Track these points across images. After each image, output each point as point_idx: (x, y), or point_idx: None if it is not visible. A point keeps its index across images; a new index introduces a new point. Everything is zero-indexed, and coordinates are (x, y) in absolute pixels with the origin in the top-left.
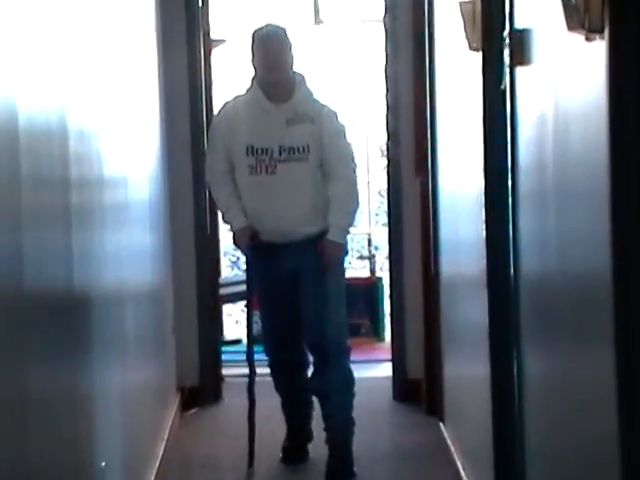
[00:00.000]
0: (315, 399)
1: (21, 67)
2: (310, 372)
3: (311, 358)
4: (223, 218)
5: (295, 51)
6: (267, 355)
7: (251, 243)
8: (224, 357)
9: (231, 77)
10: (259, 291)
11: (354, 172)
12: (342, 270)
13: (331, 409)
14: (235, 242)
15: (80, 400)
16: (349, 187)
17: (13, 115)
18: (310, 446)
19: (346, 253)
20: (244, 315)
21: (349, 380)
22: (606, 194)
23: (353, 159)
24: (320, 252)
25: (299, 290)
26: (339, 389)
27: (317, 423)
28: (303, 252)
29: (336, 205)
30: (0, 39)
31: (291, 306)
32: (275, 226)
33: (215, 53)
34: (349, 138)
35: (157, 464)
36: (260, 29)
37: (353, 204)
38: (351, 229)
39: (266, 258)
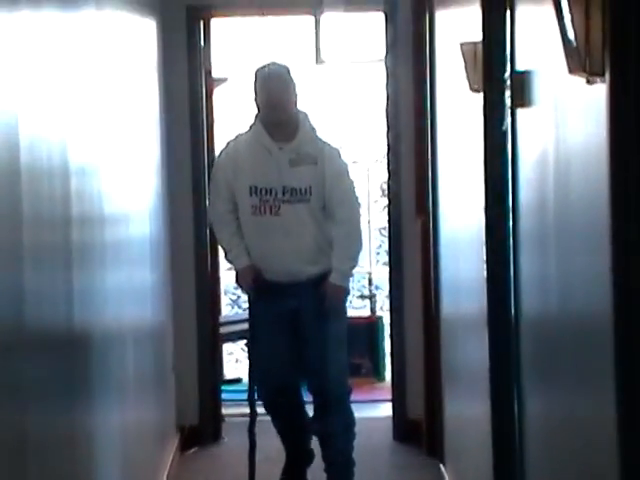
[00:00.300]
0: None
1: (24, 105)
2: (312, 414)
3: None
4: (226, 257)
5: (298, 90)
6: (263, 400)
7: (254, 283)
8: (224, 396)
9: (233, 115)
10: (259, 330)
11: (357, 213)
12: (344, 311)
13: (332, 451)
14: (238, 281)
15: (79, 439)
16: (352, 230)
17: (15, 153)
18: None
19: (347, 293)
20: (245, 354)
21: (350, 422)
22: (607, 236)
23: (356, 199)
24: (322, 294)
25: (301, 331)
26: (340, 432)
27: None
28: (306, 292)
29: (339, 249)
30: (3, 77)
31: (291, 346)
32: (279, 266)
33: (217, 92)
34: (351, 177)
35: None
36: (263, 68)
37: (356, 247)
38: (353, 271)
39: (268, 297)
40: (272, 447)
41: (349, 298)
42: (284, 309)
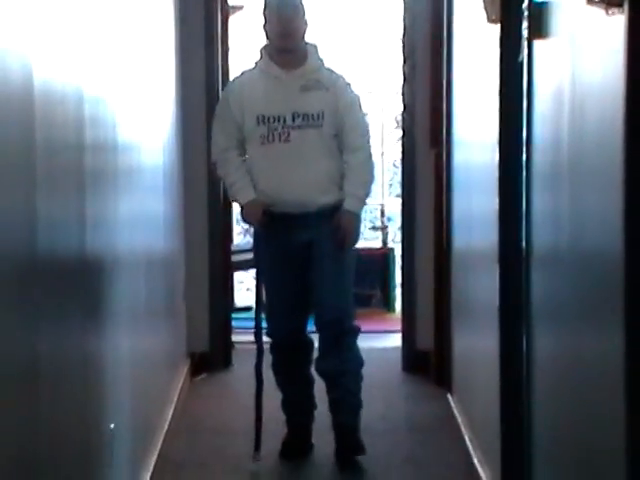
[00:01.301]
0: (316, 390)
1: (37, 32)
2: (317, 355)
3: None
4: (229, 193)
5: (309, 18)
6: (270, 337)
7: (263, 218)
8: (234, 324)
9: (248, 43)
10: (268, 266)
11: (369, 143)
12: (355, 243)
13: (340, 392)
14: (244, 216)
15: (91, 363)
16: (365, 158)
17: (29, 81)
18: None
19: (360, 223)
20: (255, 281)
21: (360, 362)
22: (620, 173)
23: (368, 130)
24: (336, 223)
25: (311, 264)
26: (350, 371)
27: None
28: (318, 224)
29: (352, 175)
30: (17, 6)
31: (301, 283)
32: (290, 195)
33: (232, 19)
34: (364, 108)
35: (165, 428)
36: None
37: (369, 175)
38: (368, 202)
39: (278, 231)
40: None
41: (361, 229)
42: (294, 243)
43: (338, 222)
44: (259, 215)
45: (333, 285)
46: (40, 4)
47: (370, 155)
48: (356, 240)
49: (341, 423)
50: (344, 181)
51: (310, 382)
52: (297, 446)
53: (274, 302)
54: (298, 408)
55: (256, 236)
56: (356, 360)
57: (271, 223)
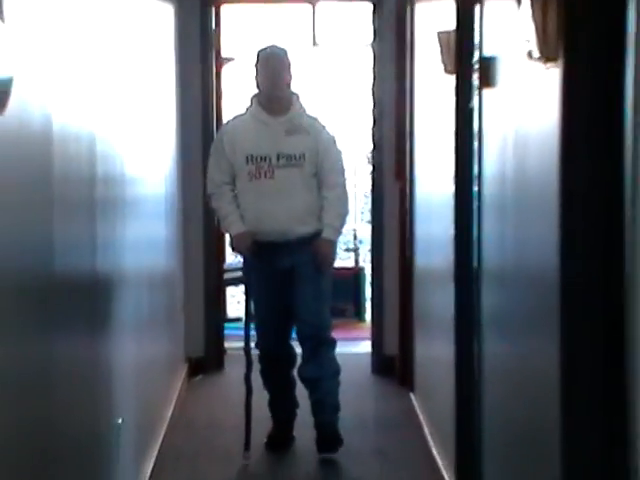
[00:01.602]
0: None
1: (55, 84)
2: (300, 364)
3: (299, 351)
4: (221, 225)
5: (293, 70)
6: (259, 348)
7: (251, 246)
8: (226, 332)
9: (239, 91)
10: (255, 289)
11: (345, 181)
12: (331, 266)
13: (320, 395)
14: (233, 246)
15: (100, 366)
16: (341, 194)
17: (48, 125)
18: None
19: (336, 249)
20: (244, 298)
21: (337, 368)
22: (556, 203)
23: (343, 169)
24: (315, 250)
25: (293, 286)
26: (328, 376)
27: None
28: (298, 251)
29: (330, 209)
30: (39, 61)
31: (284, 302)
32: (274, 226)
33: (225, 70)
34: (339, 147)
35: (166, 423)
36: (264, 49)
37: (345, 208)
38: (343, 231)
39: (264, 257)
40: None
41: (336, 252)
42: (278, 268)
43: (317, 249)
44: (248, 244)
45: (312, 304)
46: (57, 62)
47: (345, 191)
48: (332, 264)
49: (322, 422)
50: (323, 213)
51: (292, 385)
52: (281, 439)
53: (261, 319)
54: (282, 407)
55: (245, 261)
56: (333, 367)
57: (258, 251)
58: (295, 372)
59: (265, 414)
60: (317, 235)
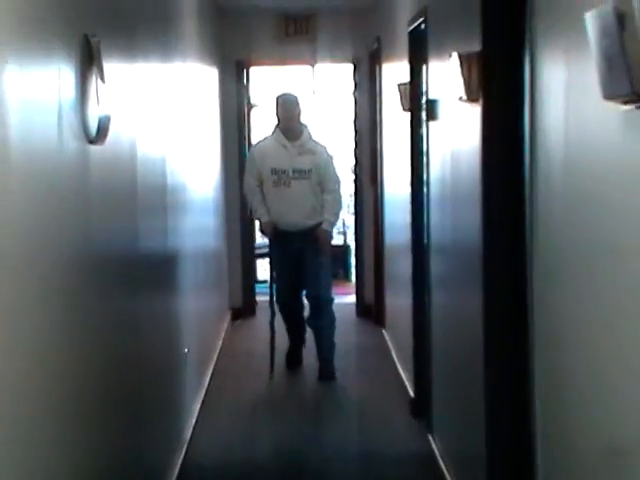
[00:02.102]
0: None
1: (138, 123)
2: (308, 315)
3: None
4: (254, 215)
5: (302, 108)
6: (278, 303)
7: (273, 231)
8: (257, 289)
9: (261, 126)
10: (276, 262)
11: (340, 187)
12: (329, 247)
13: (322, 338)
14: (262, 230)
15: (172, 314)
16: (337, 197)
17: (134, 151)
18: (303, 365)
19: (331, 236)
20: (269, 268)
21: (333, 319)
22: (479, 198)
23: (339, 180)
24: (317, 237)
25: (303, 261)
26: (327, 325)
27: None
28: (306, 237)
29: (329, 208)
30: (127, 108)
31: (297, 272)
32: (289, 220)
33: (253, 112)
34: (335, 164)
35: (217, 352)
36: (282, 95)
37: (339, 208)
38: (337, 222)
39: (283, 241)
40: (284, 333)
41: (332, 237)
42: (292, 248)
43: (319, 236)
44: (271, 230)
45: (315, 274)
46: (139, 107)
47: (340, 195)
48: (330, 246)
49: (322, 357)
50: (323, 210)
51: (302, 321)
52: (294, 356)
53: (280, 283)
54: (295, 333)
55: (270, 243)
56: (331, 318)
57: (278, 236)
58: (305, 318)
59: (284, 349)
60: (319, 226)
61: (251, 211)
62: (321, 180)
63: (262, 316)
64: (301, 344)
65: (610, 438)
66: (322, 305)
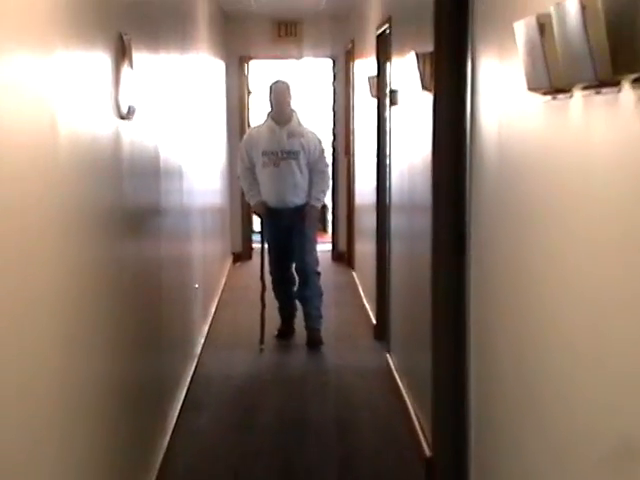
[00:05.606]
0: (300, 305)
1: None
2: (297, 287)
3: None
4: (246, 197)
5: (292, 95)
6: (271, 275)
7: (265, 210)
8: (253, 238)
9: (257, 111)
10: (268, 237)
11: (327, 167)
12: (316, 223)
13: (310, 308)
14: (253, 210)
15: (186, 257)
16: (325, 177)
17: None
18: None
19: (318, 212)
20: (260, 243)
21: (321, 291)
22: (429, 169)
23: (326, 160)
24: (305, 213)
25: (292, 236)
26: (315, 296)
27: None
28: (295, 214)
29: (316, 187)
30: (151, 92)
31: (286, 246)
32: (278, 197)
33: (251, 98)
34: (322, 146)
35: (221, 287)
36: (275, 82)
37: (326, 186)
38: (325, 200)
39: (273, 218)
40: (273, 306)
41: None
42: (282, 224)
43: (307, 213)
44: (263, 209)
45: (303, 248)
46: (160, 91)
47: (327, 175)
48: (316, 223)
49: (310, 327)
50: (311, 189)
51: (292, 297)
52: (285, 331)
53: (272, 256)
54: (286, 309)
55: (261, 220)
56: (318, 290)
57: (269, 213)
58: (294, 292)
59: (275, 318)
60: (307, 204)
61: (246, 194)
62: (310, 162)
63: (256, 260)
64: (291, 318)
65: (528, 362)
66: (309, 276)
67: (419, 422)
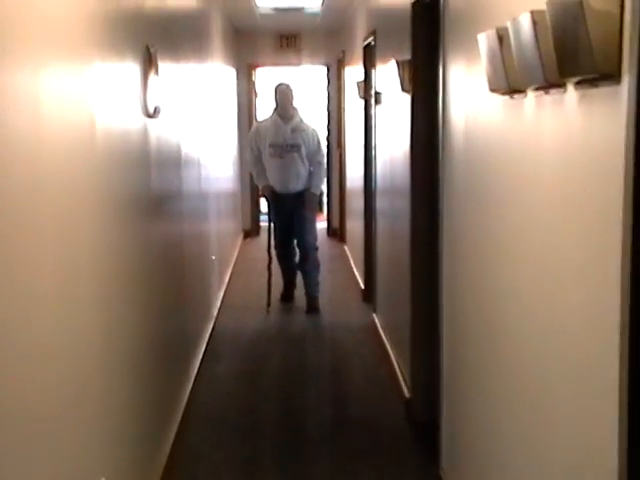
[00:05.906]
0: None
1: (182, 105)
2: (298, 261)
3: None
4: (256, 182)
5: (294, 95)
6: (275, 249)
7: (271, 194)
8: (261, 217)
9: (263, 110)
10: (274, 217)
11: (324, 158)
12: (316, 207)
13: (309, 279)
14: (261, 192)
15: (204, 234)
16: (322, 167)
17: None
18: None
19: (317, 198)
20: (267, 222)
21: (318, 264)
22: (408, 158)
23: (323, 152)
24: (305, 199)
25: (294, 217)
26: (313, 268)
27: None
28: (297, 199)
29: (315, 175)
30: (174, 95)
31: (289, 225)
32: (283, 184)
33: (257, 99)
34: (320, 139)
35: (234, 259)
36: (279, 84)
37: (324, 175)
38: (322, 187)
39: (278, 201)
40: (278, 274)
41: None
42: (285, 207)
43: (307, 198)
44: (269, 192)
45: (303, 228)
46: (182, 94)
47: (324, 165)
48: (316, 206)
49: (309, 294)
50: (311, 178)
51: (293, 266)
52: (287, 295)
53: (277, 233)
54: (287, 275)
55: (268, 202)
56: (316, 263)
57: (274, 197)
58: (295, 264)
59: (279, 285)
60: (307, 190)
61: (252, 177)
62: (309, 154)
63: (263, 236)
64: (292, 285)
65: (492, 320)
66: (308, 251)
67: (400, 369)
